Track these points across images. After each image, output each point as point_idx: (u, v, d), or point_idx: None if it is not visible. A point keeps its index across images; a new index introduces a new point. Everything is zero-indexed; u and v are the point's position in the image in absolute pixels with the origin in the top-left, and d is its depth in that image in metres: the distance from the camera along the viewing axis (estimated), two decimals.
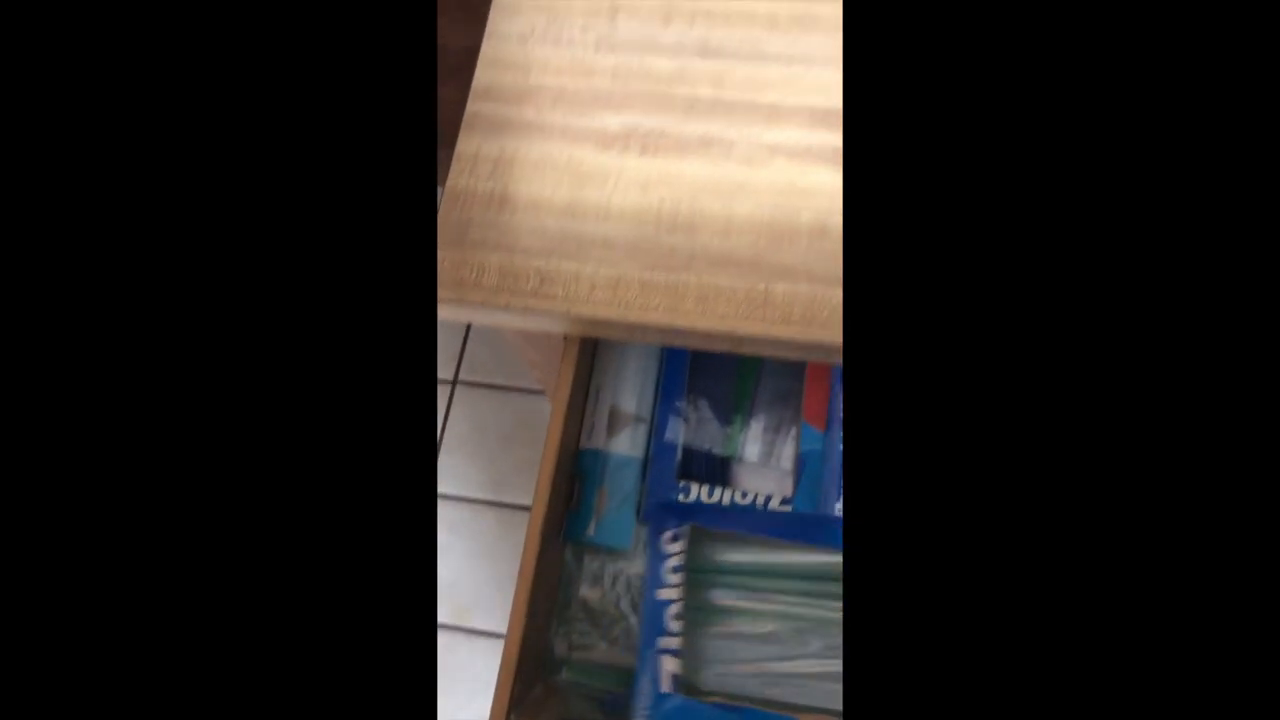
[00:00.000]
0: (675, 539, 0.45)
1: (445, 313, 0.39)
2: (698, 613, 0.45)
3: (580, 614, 0.49)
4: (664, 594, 0.44)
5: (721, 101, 0.41)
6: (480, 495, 1.01)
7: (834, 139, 0.39)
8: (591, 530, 0.47)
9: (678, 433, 0.47)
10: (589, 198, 0.39)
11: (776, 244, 0.38)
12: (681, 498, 0.46)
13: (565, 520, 0.48)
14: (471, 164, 0.40)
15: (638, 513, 0.47)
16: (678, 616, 0.43)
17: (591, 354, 0.49)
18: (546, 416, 1.07)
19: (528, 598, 0.42)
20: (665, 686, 0.41)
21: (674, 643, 0.42)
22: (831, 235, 0.38)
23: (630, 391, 0.48)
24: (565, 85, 0.41)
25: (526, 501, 1.01)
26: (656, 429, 0.47)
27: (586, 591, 0.49)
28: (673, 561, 0.45)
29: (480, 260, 0.38)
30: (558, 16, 0.43)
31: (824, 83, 0.40)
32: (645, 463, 0.47)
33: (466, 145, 0.40)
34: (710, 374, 0.49)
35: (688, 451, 0.47)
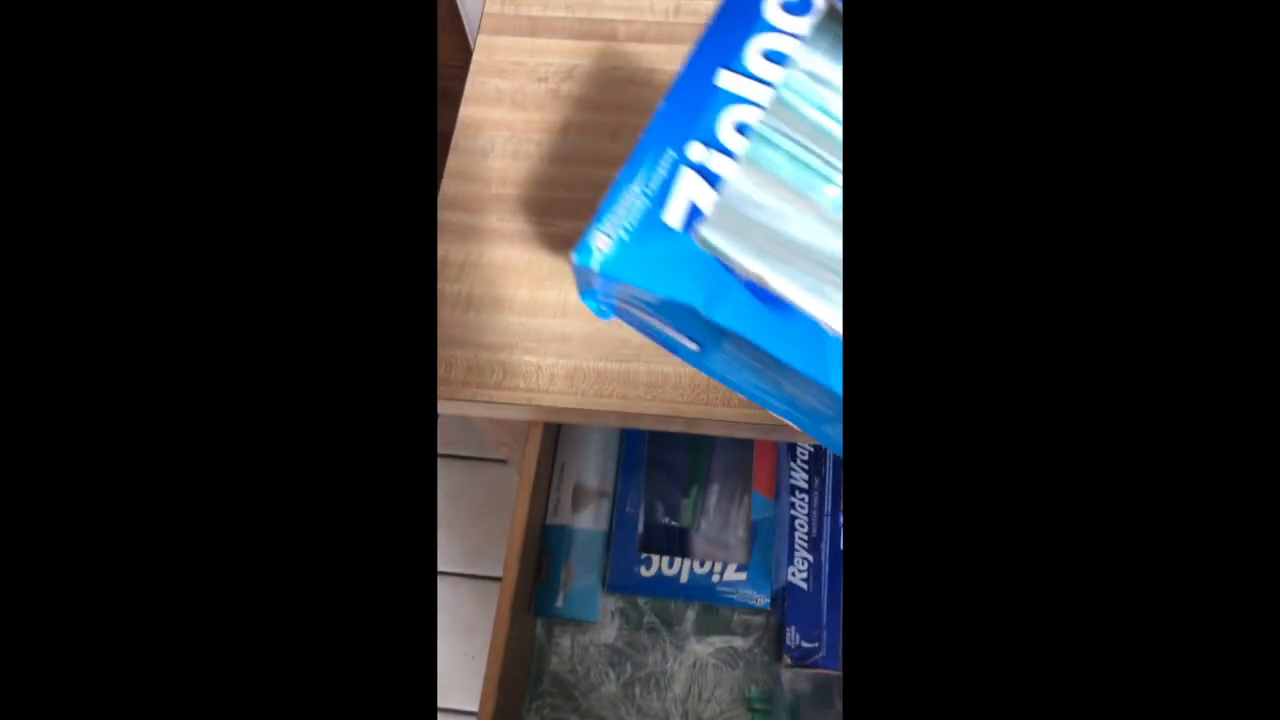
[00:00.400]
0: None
1: None
2: None
3: (552, 688, 0.50)
4: None
5: None
6: (454, 568, 1.02)
7: None
8: (560, 603, 0.49)
9: (638, 507, 0.50)
10: (547, 296, 0.43)
11: None
12: (644, 570, 0.49)
13: (535, 594, 0.50)
14: (441, 268, 0.44)
15: (603, 584, 0.49)
16: None
17: (556, 433, 0.52)
18: (516, 488, 1.08)
19: (498, 675, 0.44)
20: None
21: None
22: None
23: (593, 468, 0.51)
24: (524, 195, 0.46)
25: (500, 573, 1.01)
26: (618, 503, 0.50)
27: (557, 665, 0.51)
28: None
29: (449, 356, 0.42)
30: (516, 133, 0.48)
31: None
32: (609, 536, 0.50)
33: (438, 251, 0.44)
34: (667, 448, 0.52)
35: (648, 525, 0.50)
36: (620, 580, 0.49)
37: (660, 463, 0.52)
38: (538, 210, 0.45)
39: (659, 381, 0.41)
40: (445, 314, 0.43)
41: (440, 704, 0.95)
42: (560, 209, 0.45)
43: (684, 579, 0.48)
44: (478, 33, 0.50)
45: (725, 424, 0.41)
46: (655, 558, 0.49)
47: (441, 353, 0.42)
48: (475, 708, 0.94)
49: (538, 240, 0.45)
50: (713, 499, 0.51)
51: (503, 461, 1.04)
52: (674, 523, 0.50)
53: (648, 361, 0.41)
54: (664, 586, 0.48)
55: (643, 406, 0.40)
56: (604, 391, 0.41)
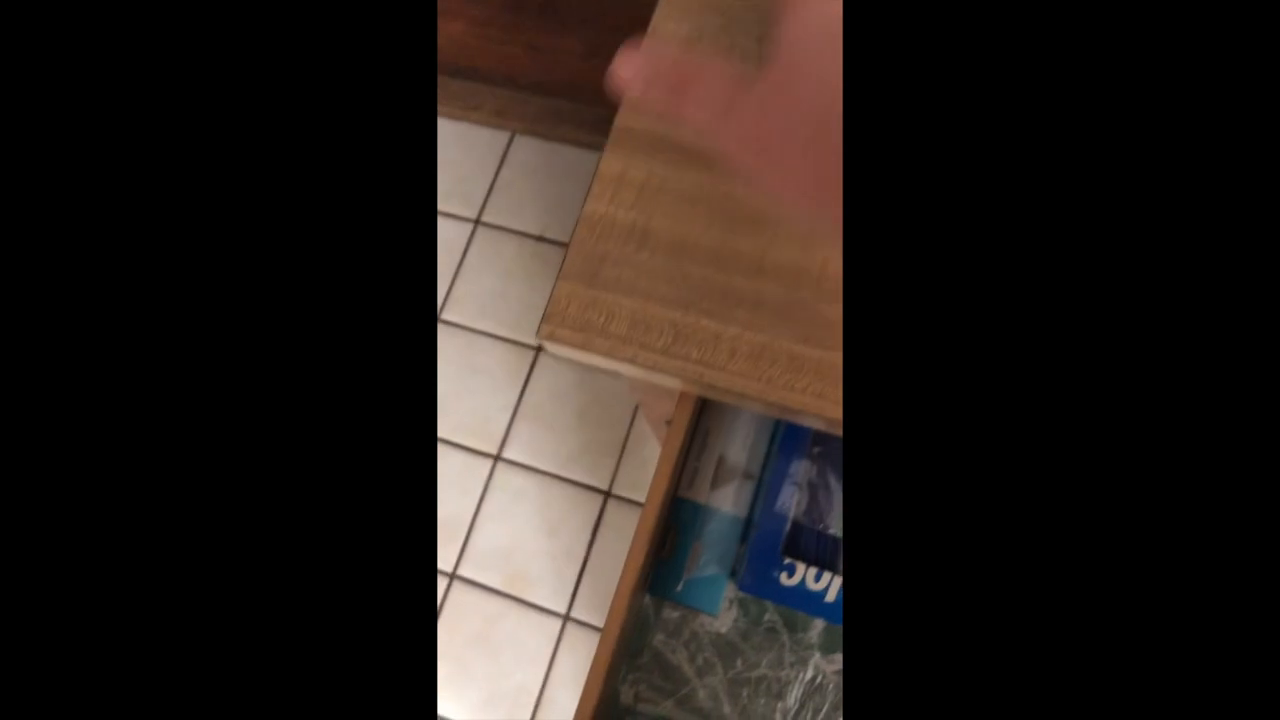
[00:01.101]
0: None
1: (567, 353, 0.35)
2: None
3: (652, 665, 0.46)
4: None
5: None
6: (549, 468, 1.01)
7: None
8: (680, 588, 0.43)
9: (790, 503, 0.43)
10: (741, 246, 0.34)
11: None
12: (784, 577, 0.42)
13: (655, 570, 0.45)
14: (615, 188, 0.36)
15: (733, 576, 0.44)
16: None
17: (710, 402, 0.45)
18: (624, 400, 1.04)
19: (610, 654, 0.39)
20: None
21: None
22: None
23: (741, 443, 0.44)
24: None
25: (594, 482, 0.99)
26: (767, 492, 0.43)
27: (661, 642, 0.46)
28: None
29: (612, 302, 0.34)
30: (731, 19, 0.37)
31: None
32: (748, 525, 0.44)
33: (610, 165, 0.36)
34: (838, 437, 0.44)
35: (796, 525, 0.43)
36: (756, 582, 0.42)
37: (827, 454, 0.44)
38: None
39: None
40: (614, 248, 0.35)
41: (520, 595, 0.97)
42: None
43: (830, 597, 0.42)
44: None
45: None
46: (800, 565, 0.42)
47: (604, 297, 0.34)
48: (548, 604, 0.96)
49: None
50: None
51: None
52: (829, 530, 0.42)
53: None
54: (806, 600, 0.42)
55: (839, 410, 0.32)
56: (795, 384, 0.32)
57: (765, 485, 0.43)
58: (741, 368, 0.33)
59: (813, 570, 0.42)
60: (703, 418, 0.45)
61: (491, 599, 0.98)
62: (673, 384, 0.35)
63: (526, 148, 1.11)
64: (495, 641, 0.97)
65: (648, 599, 0.46)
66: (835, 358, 0.32)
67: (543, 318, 0.34)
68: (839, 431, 0.34)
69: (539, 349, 1.05)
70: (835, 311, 0.33)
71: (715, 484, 0.44)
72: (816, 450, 0.43)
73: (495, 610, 0.97)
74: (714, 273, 0.34)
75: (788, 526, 0.43)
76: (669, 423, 0.40)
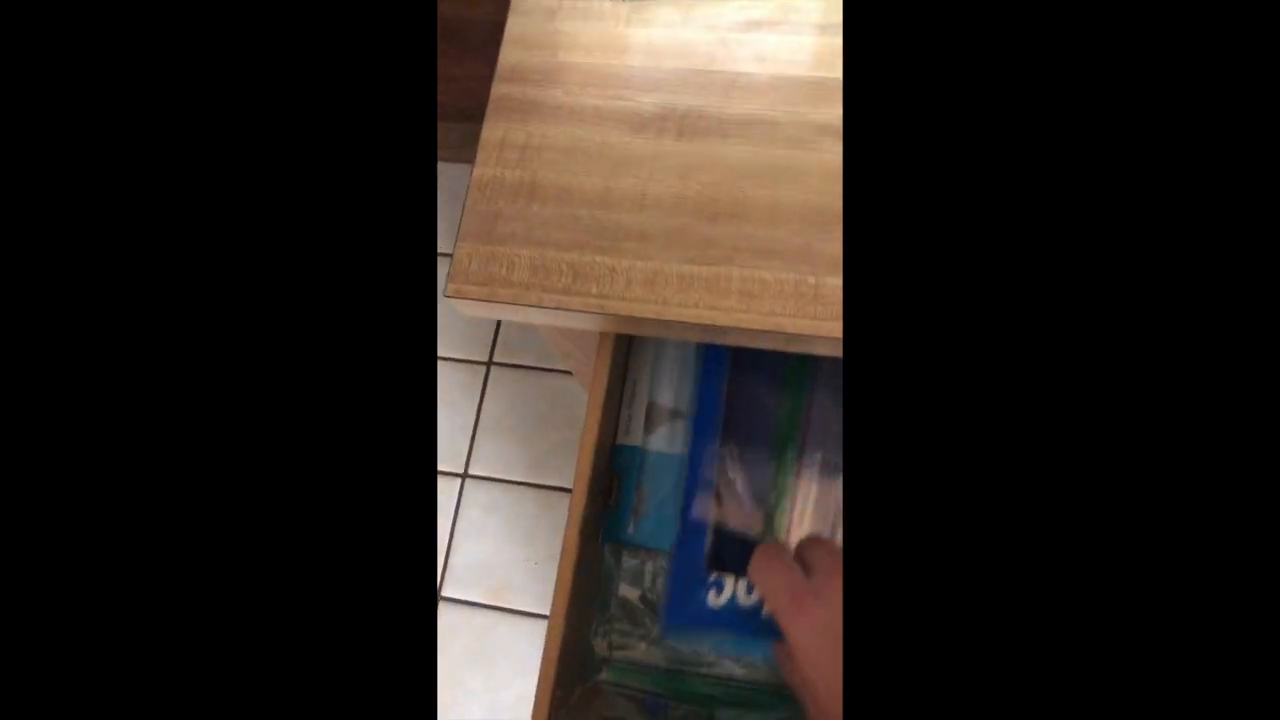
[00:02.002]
0: None
1: (476, 310, 0.37)
2: None
3: (620, 613, 0.47)
4: None
5: (763, 78, 0.37)
6: (517, 477, 1.01)
7: None
8: (631, 529, 0.45)
9: (707, 509, 0.42)
10: (623, 186, 0.37)
11: (827, 233, 0.35)
12: (713, 596, 0.39)
13: (605, 519, 0.46)
14: (498, 151, 0.38)
15: (680, 513, 0.45)
16: None
17: (627, 347, 0.47)
18: (581, 397, 1.06)
19: (567, 600, 0.41)
20: None
21: None
22: None
23: (668, 386, 0.46)
24: (596, 63, 0.39)
25: (563, 483, 1.00)
26: (682, 508, 0.41)
27: (626, 590, 0.48)
28: None
29: (510, 254, 0.36)
30: None
31: None
32: (686, 461, 0.45)
33: (492, 131, 0.38)
34: (751, 383, 0.44)
35: (719, 533, 0.41)
36: (680, 616, 0.38)
37: (743, 407, 0.44)
38: (613, 82, 0.38)
39: (755, 290, 0.35)
40: (505, 205, 0.37)
41: (507, 605, 0.97)
42: (639, 80, 0.38)
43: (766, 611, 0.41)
44: None
45: (832, 342, 0.34)
46: (729, 579, 0.40)
47: (502, 250, 0.36)
48: (536, 609, 0.96)
49: (612, 118, 0.38)
50: (812, 472, 0.40)
51: (568, 372, 1.01)
52: (752, 534, 0.41)
53: (742, 266, 0.35)
54: (741, 622, 0.38)
55: (735, 319, 0.34)
56: (688, 300, 0.35)
57: (681, 505, 0.41)
58: (638, 294, 0.35)
59: (743, 582, 0.41)
60: (630, 368, 0.47)
61: (478, 613, 0.98)
62: (579, 322, 0.37)
63: (451, 173, 1.13)
64: (488, 655, 0.96)
65: (606, 550, 0.48)
66: (719, 271, 0.35)
67: (448, 277, 0.36)
68: (736, 340, 0.36)
69: (489, 364, 1.06)
70: (715, 230, 0.35)
71: (649, 428, 0.46)
72: (732, 404, 0.42)
73: (484, 624, 0.97)
74: (601, 213, 0.36)
75: (709, 537, 0.41)
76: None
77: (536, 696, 0.40)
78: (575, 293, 0.35)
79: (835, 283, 0.34)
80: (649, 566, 0.47)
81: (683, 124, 0.37)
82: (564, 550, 0.41)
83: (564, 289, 0.35)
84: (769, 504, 0.42)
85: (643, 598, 0.47)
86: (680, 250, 0.35)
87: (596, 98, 0.38)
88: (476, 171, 0.38)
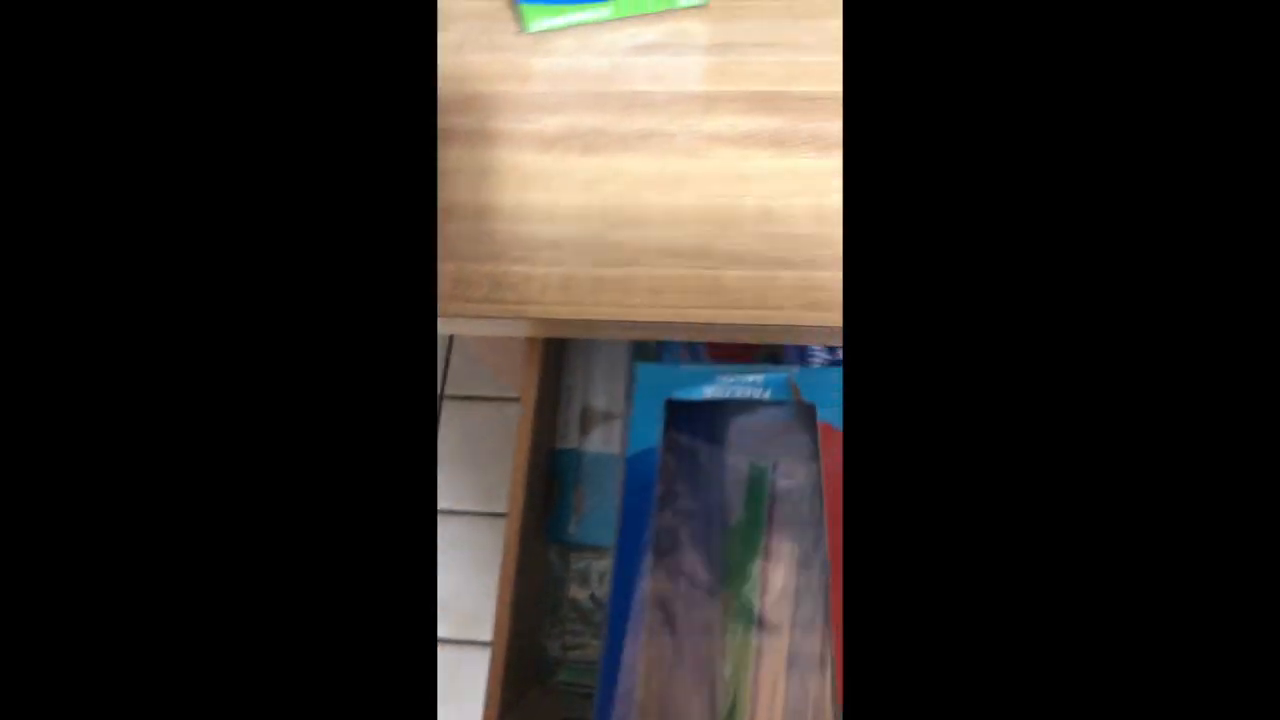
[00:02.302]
0: None
1: None
2: None
3: (571, 614, 0.49)
4: None
5: (659, 95, 0.41)
6: (476, 507, 1.02)
7: (771, 123, 0.40)
8: (573, 528, 0.47)
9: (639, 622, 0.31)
10: (534, 200, 0.39)
11: (723, 231, 0.38)
12: None
13: (547, 522, 0.48)
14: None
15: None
16: None
17: (559, 355, 0.49)
18: None
19: (511, 602, 0.42)
20: None
21: None
22: (776, 218, 0.38)
23: (601, 389, 0.48)
24: (502, 91, 0.42)
25: None
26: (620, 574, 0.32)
27: (576, 591, 0.49)
28: None
29: (440, 271, 0.38)
30: (490, 23, 0.43)
31: (757, 68, 0.41)
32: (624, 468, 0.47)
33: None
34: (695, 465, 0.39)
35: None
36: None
37: (678, 517, 0.35)
38: (519, 107, 0.41)
39: (661, 285, 0.37)
40: None
41: (476, 638, 0.97)
42: (543, 104, 0.41)
43: None
44: None
45: (735, 328, 0.37)
46: None
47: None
48: (486, 639, 0.95)
49: (521, 140, 0.41)
50: (785, 580, 0.30)
51: (518, 399, 1.02)
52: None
53: (648, 265, 0.38)
54: None
55: (643, 313, 0.37)
56: (601, 299, 0.37)
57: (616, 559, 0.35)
58: (554, 297, 0.38)
59: None
60: (563, 374, 0.49)
61: (448, 650, 0.97)
62: (502, 329, 0.39)
63: None
64: (461, 690, 0.95)
65: (553, 552, 0.49)
66: (628, 271, 0.38)
67: None
68: (650, 334, 0.39)
69: (440, 398, 1.07)
70: (621, 234, 0.38)
71: (584, 430, 0.48)
72: (667, 512, 0.36)
73: (454, 659, 0.96)
74: (515, 226, 0.39)
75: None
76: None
77: (486, 699, 0.41)
78: (494, 300, 0.38)
79: (734, 275, 0.37)
80: (596, 566, 0.49)
81: (586, 141, 0.40)
82: (505, 552, 0.42)
83: (483, 298, 0.38)
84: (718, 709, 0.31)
85: (592, 596, 0.49)
86: (591, 255, 0.38)
87: (505, 122, 0.41)
88: None
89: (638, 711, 0.28)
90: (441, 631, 0.98)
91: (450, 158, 0.40)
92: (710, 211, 0.38)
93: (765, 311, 0.37)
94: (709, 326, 0.37)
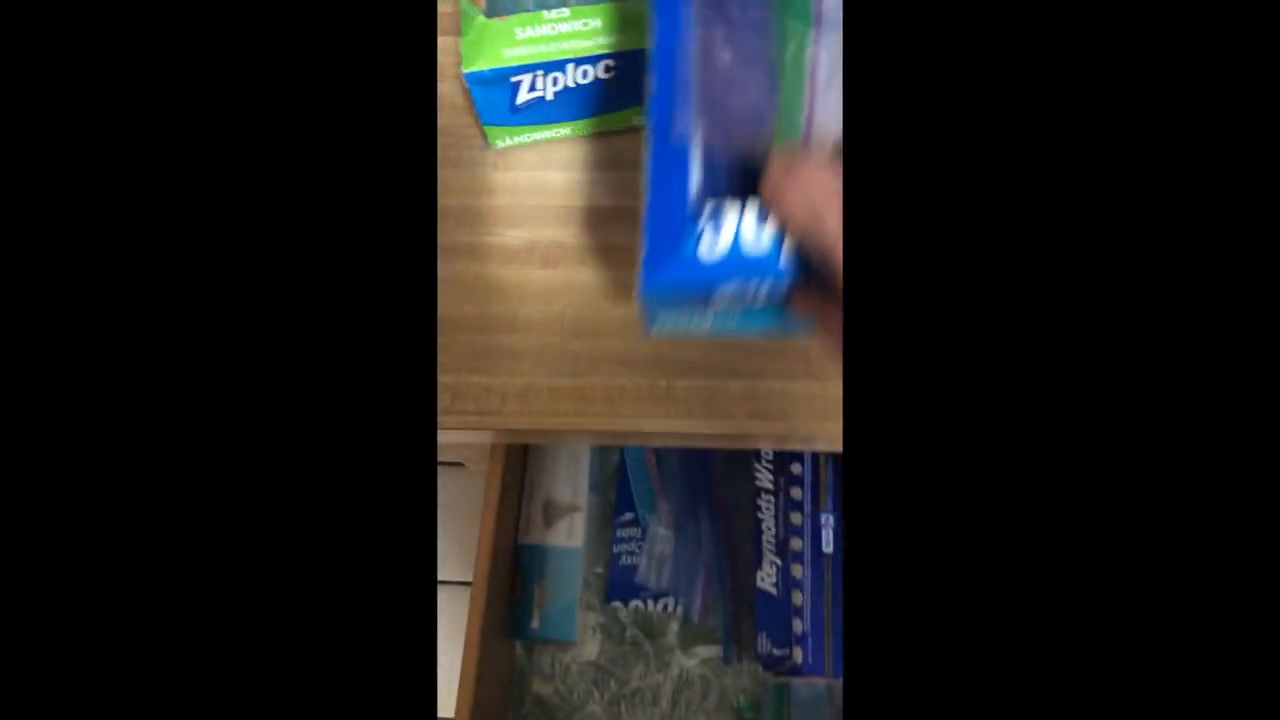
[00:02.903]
0: None
1: None
2: None
3: (535, 709, 0.49)
4: None
5: (618, 209, 0.43)
6: (451, 577, 1.00)
7: None
8: (536, 624, 0.47)
9: (689, 125, 0.26)
10: (495, 311, 0.41)
11: (675, 341, 0.40)
12: (706, 243, 0.24)
13: (509, 616, 0.48)
14: None
15: (591, 600, 0.48)
16: None
17: (523, 449, 0.50)
18: (474, 486, 1.06)
19: (471, 701, 0.43)
20: None
21: None
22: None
23: (565, 483, 0.49)
24: (468, 205, 0.44)
25: (466, 577, 0.99)
26: (655, 125, 0.26)
27: (539, 685, 0.49)
28: None
29: None
30: (457, 139, 0.45)
31: None
32: (585, 554, 0.48)
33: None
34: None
35: (712, 156, 0.26)
36: (663, 278, 0.26)
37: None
38: (484, 220, 0.43)
39: (616, 395, 0.39)
40: None
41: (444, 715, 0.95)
42: (508, 217, 0.43)
43: None
44: None
45: (686, 436, 0.39)
46: (729, 211, 0.20)
47: None
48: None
49: (484, 253, 0.42)
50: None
51: (457, 464, 1.02)
52: (752, 148, 0.25)
53: (604, 375, 0.39)
54: (754, 266, 0.24)
55: (599, 422, 0.38)
56: (558, 410, 0.39)
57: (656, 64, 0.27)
58: (513, 408, 0.39)
59: (752, 211, 0.25)
60: (527, 468, 0.50)
61: None
62: (460, 438, 0.40)
63: None
64: None
65: (518, 649, 0.49)
66: (584, 382, 0.39)
67: None
68: (603, 441, 0.40)
69: None
70: (580, 344, 0.40)
71: (548, 524, 0.49)
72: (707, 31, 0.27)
73: None
74: (477, 337, 0.41)
75: (696, 163, 0.26)
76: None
77: None
78: (454, 412, 0.39)
79: (684, 384, 0.39)
80: (560, 660, 0.49)
81: (547, 254, 0.42)
82: (465, 649, 0.43)
83: (444, 409, 0.39)
84: (777, 101, 0.26)
85: (556, 691, 0.49)
86: (549, 365, 0.40)
87: (469, 235, 0.43)
88: None
89: (698, 101, 0.25)
90: None
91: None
92: None
93: (714, 421, 0.38)
94: (661, 435, 0.39)
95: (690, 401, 0.39)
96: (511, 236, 0.43)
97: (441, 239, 0.43)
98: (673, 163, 0.26)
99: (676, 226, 0.25)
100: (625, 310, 0.41)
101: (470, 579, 0.45)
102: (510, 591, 0.48)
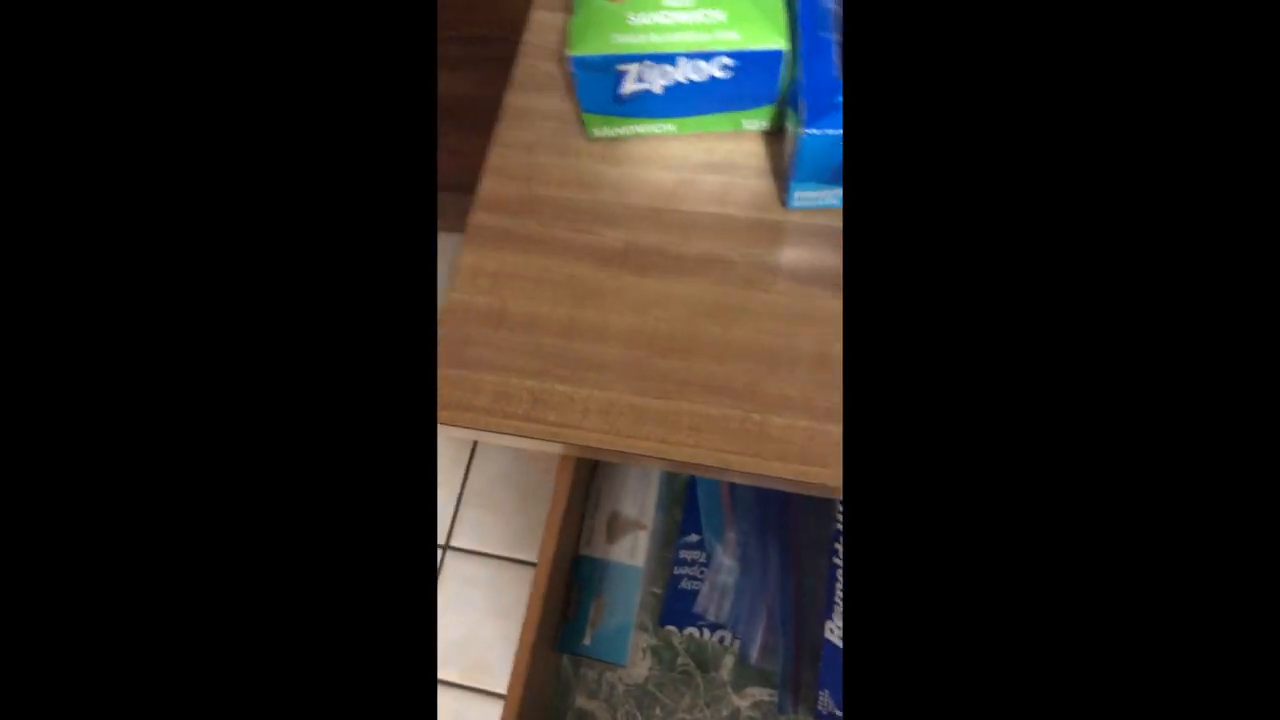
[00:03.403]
0: None
1: (441, 430, 0.39)
2: None
3: None
4: None
5: (723, 218, 0.40)
6: (499, 551, 1.01)
7: (838, 261, 0.38)
8: (588, 641, 0.45)
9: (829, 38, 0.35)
10: (586, 317, 0.39)
11: (774, 372, 0.37)
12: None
13: (561, 629, 0.47)
14: (472, 277, 0.40)
15: (645, 621, 0.46)
16: None
17: (593, 460, 0.48)
18: None
19: (516, 713, 0.41)
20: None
21: None
22: (833, 365, 0.36)
23: (632, 499, 0.47)
24: (568, 197, 0.41)
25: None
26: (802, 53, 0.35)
27: (584, 701, 0.48)
28: None
29: (477, 379, 0.38)
30: (565, 125, 0.43)
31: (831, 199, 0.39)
32: (645, 573, 0.46)
33: (469, 258, 0.40)
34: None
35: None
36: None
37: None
38: (583, 216, 0.41)
39: (704, 425, 0.36)
40: (474, 330, 0.39)
41: (484, 687, 0.96)
42: (607, 215, 0.40)
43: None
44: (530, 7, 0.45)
45: (777, 480, 0.35)
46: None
47: (468, 375, 0.38)
48: (506, 691, 0.94)
49: (580, 251, 0.40)
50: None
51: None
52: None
53: (693, 400, 0.36)
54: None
55: (683, 453, 0.36)
56: (640, 432, 0.36)
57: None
58: (594, 423, 0.37)
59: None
60: (595, 478, 0.48)
61: (452, 694, 0.96)
62: (537, 447, 0.38)
63: (451, 243, 1.17)
64: None
65: (565, 660, 0.48)
66: (671, 405, 0.36)
67: None
68: (687, 471, 0.38)
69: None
70: (669, 364, 0.37)
71: (611, 539, 0.47)
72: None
73: (458, 706, 0.95)
74: (563, 342, 0.38)
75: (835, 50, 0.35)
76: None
77: None
78: (534, 419, 0.37)
79: (780, 422, 0.36)
80: (607, 679, 0.47)
81: (644, 260, 0.39)
82: (516, 661, 0.41)
83: (523, 415, 0.37)
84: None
85: (600, 709, 0.47)
86: (636, 382, 0.37)
87: (566, 230, 0.40)
88: (451, 296, 0.40)
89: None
90: (451, 676, 0.97)
91: (509, 262, 0.40)
92: (764, 350, 0.37)
93: (809, 468, 0.35)
94: (747, 475, 0.36)
95: (785, 443, 0.35)
96: (610, 237, 0.40)
97: (538, 229, 0.40)
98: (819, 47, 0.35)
99: (829, 90, 0.34)
100: (722, 330, 0.37)
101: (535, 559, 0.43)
102: (565, 605, 0.46)
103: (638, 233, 0.40)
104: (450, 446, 1.08)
